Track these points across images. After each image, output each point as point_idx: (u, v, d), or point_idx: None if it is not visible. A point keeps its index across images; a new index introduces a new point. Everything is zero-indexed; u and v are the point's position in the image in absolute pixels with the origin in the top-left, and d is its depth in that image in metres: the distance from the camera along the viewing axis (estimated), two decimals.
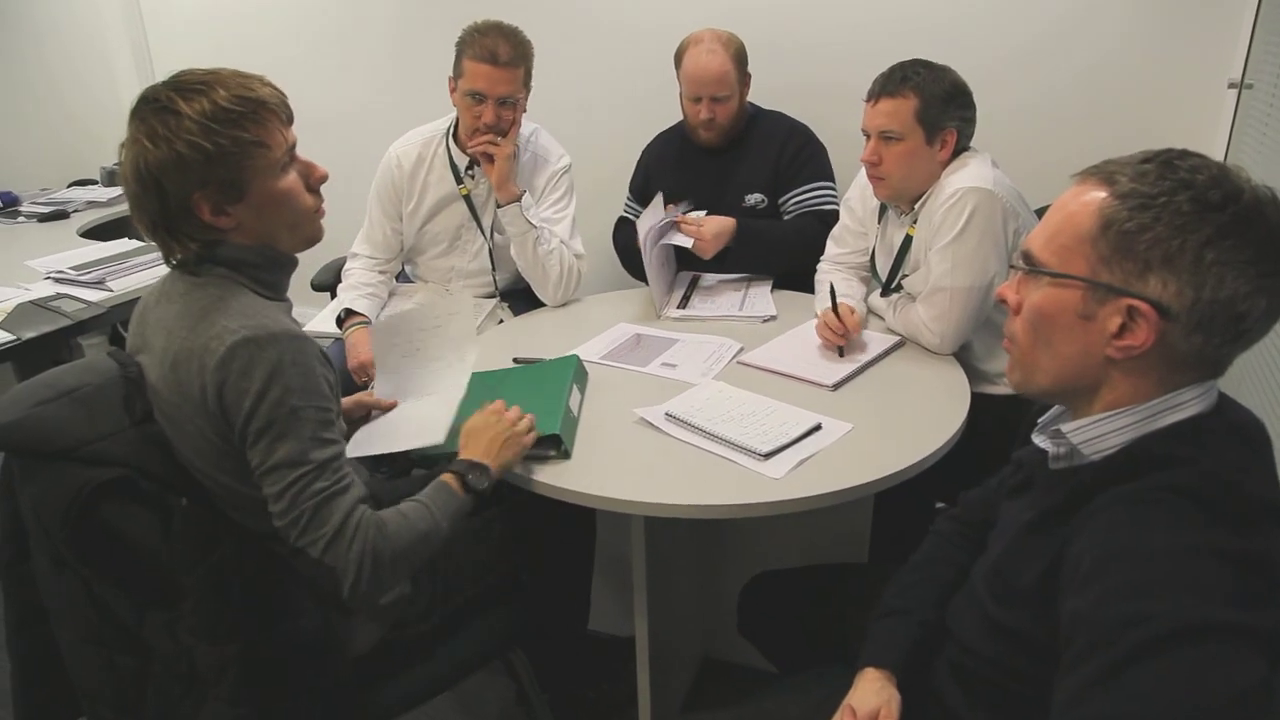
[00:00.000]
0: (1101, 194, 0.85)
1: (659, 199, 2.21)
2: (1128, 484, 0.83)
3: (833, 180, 2.30)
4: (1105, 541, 0.80)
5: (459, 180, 2.21)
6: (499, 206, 2.11)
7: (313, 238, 1.23)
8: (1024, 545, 0.93)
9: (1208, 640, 0.70)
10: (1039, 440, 0.97)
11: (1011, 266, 0.95)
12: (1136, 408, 0.86)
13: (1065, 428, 0.91)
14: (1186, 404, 0.85)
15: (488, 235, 2.25)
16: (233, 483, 1.16)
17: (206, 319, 1.10)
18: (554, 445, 1.41)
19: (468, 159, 2.18)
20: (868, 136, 1.79)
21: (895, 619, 1.12)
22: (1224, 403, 0.89)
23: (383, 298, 2.28)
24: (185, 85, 1.09)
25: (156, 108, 1.08)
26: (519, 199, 2.09)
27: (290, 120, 1.17)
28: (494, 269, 2.28)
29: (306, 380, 1.10)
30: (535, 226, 2.10)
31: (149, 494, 1.10)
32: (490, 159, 2.08)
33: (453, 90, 2.12)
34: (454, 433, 1.39)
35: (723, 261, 2.19)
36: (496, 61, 2.00)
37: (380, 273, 2.30)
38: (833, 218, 2.17)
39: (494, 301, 2.30)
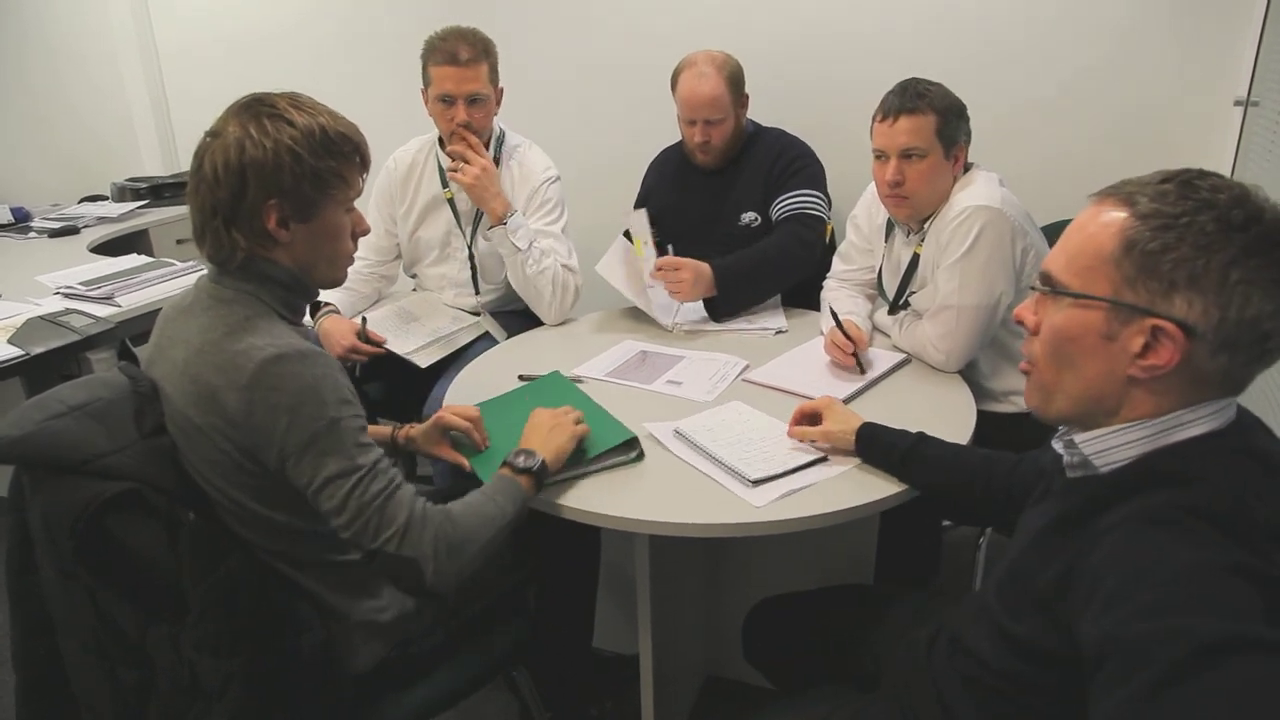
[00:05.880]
0: (1121, 214, 0.85)
1: (620, 240, 2.19)
2: (1141, 501, 0.82)
3: (822, 191, 2.26)
4: (1126, 562, 0.78)
5: (444, 184, 2.25)
6: (489, 227, 2.14)
7: (337, 280, 1.29)
8: (1038, 549, 0.93)
9: (1248, 655, 0.67)
10: (1057, 446, 0.97)
11: (1032, 288, 0.95)
12: (1148, 422, 0.86)
13: (1078, 438, 0.92)
14: (1199, 420, 0.85)
15: (470, 241, 2.27)
16: (244, 498, 1.17)
17: (232, 335, 1.12)
18: (631, 449, 1.46)
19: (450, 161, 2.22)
20: (884, 157, 1.75)
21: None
22: (1246, 420, 0.88)
23: (365, 293, 2.33)
24: (300, 102, 1.17)
25: (270, 112, 1.14)
26: (504, 221, 2.10)
27: (366, 172, 1.24)
28: (474, 274, 2.30)
29: (338, 392, 1.13)
30: (521, 249, 2.10)
31: (157, 508, 1.11)
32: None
33: (426, 102, 2.17)
34: None
35: (714, 310, 2.12)
36: (458, 62, 2.07)
37: (370, 273, 2.34)
38: (816, 224, 2.17)
39: (477, 319, 2.31)
